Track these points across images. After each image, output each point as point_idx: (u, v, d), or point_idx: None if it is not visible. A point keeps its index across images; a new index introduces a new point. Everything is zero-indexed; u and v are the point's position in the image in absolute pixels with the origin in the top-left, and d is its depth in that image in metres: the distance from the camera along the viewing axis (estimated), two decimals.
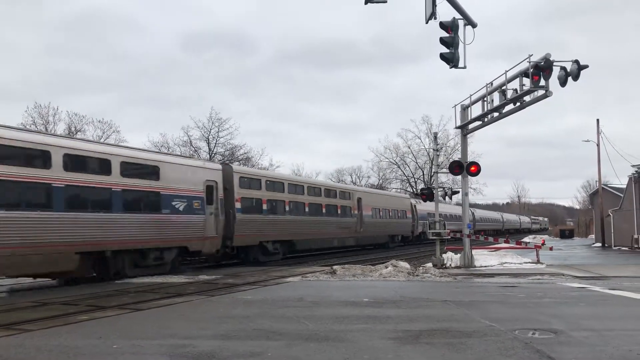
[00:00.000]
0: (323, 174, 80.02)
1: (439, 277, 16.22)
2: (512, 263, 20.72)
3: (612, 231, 37.32)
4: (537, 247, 22.31)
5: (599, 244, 39.08)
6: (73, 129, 44.48)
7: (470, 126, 20.32)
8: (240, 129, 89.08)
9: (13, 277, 15.76)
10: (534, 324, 7.94)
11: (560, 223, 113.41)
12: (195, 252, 19.91)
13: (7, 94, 67.32)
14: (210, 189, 20.24)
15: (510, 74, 16.81)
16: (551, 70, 15.27)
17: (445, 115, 68.30)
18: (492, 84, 17.93)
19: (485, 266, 19.57)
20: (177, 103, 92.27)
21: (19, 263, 13.60)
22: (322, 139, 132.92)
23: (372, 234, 35.44)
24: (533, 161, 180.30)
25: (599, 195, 40.24)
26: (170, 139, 53.24)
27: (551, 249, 24.06)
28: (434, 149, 23.89)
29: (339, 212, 31.20)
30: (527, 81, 16.04)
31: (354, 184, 72.48)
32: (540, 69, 15.35)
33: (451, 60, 14.67)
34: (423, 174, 70.53)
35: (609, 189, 40.61)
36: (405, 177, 72.63)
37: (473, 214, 63.52)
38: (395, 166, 72.07)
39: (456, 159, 26.47)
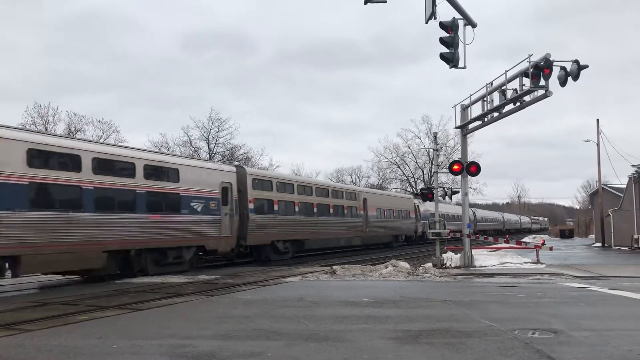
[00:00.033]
0: (323, 173, 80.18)
1: (439, 277, 16.22)
2: (512, 263, 20.72)
3: (612, 231, 37.34)
4: (537, 247, 22.32)
5: (599, 244, 39.08)
6: (73, 129, 44.53)
7: (470, 126, 20.32)
8: (240, 129, 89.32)
9: (46, 274, 16.45)
10: (534, 323, 7.94)
11: (560, 223, 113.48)
12: (211, 251, 20.61)
13: (7, 94, 67.40)
14: (225, 190, 21.02)
15: (510, 74, 16.81)
16: (551, 70, 15.27)
17: (445, 115, 68.54)
18: (492, 84, 17.93)
19: (485, 266, 19.58)
20: (177, 103, 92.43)
21: (53, 261, 14.41)
22: (322, 139, 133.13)
23: (377, 234, 36.10)
24: (533, 161, 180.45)
25: (599, 195, 40.25)
26: (170, 139, 53.36)
27: (551, 249, 24.06)
28: (433, 149, 23.88)
29: (346, 212, 31.91)
30: (527, 81, 16.04)
31: (354, 184, 72.51)
32: (540, 69, 15.35)
33: (451, 60, 14.67)
34: (423, 174, 70.55)
35: (609, 189, 40.62)
36: (405, 177, 72.69)
37: (474, 214, 64.18)
38: (395, 166, 72.14)
39: (456, 158, 26.43)
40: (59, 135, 21.26)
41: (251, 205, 22.92)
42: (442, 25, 14.44)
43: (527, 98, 16.51)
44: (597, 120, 39.10)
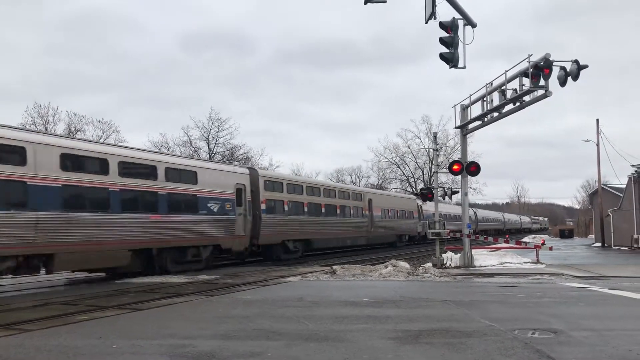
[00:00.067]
0: (323, 173, 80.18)
1: (439, 277, 16.22)
2: (511, 263, 20.71)
3: (612, 231, 37.32)
4: (537, 247, 22.31)
5: (599, 244, 39.08)
6: (73, 129, 44.52)
7: (470, 126, 20.31)
8: (240, 129, 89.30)
9: (76, 271, 17.18)
10: (534, 323, 7.94)
11: (559, 223, 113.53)
12: (226, 250, 21.39)
13: (7, 94, 67.36)
14: (239, 191, 21.90)
15: (510, 74, 16.80)
16: (551, 70, 15.26)
17: (445, 115, 68.50)
18: (491, 84, 17.92)
19: (485, 266, 19.57)
20: (177, 103, 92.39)
21: (83, 259, 15.36)
22: (321, 139, 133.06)
23: (382, 234, 36.90)
24: (533, 161, 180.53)
25: (599, 195, 40.25)
26: (170, 138, 53.36)
27: (551, 248, 24.04)
28: (433, 149, 23.87)
29: (352, 212, 32.79)
30: (526, 81, 16.03)
31: (354, 183, 72.52)
32: (540, 69, 15.34)
33: (451, 60, 14.67)
34: (423, 174, 70.50)
35: (609, 189, 40.61)
36: (405, 177, 72.63)
37: (475, 214, 65.26)
38: (395, 166, 72.06)
39: (456, 158, 26.43)
40: (88, 141, 22.65)
41: (263, 206, 23.70)
42: (442, 25, 14.44)
43: (526, 98, 16.50)
44: (597, 120, 39.15)
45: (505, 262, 20.74)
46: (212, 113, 51.58)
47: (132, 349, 6.67)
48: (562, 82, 15.33)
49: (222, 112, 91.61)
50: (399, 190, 69.50)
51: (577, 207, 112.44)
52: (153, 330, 8.06)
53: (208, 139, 51.21)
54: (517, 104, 16.84)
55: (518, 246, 24.78)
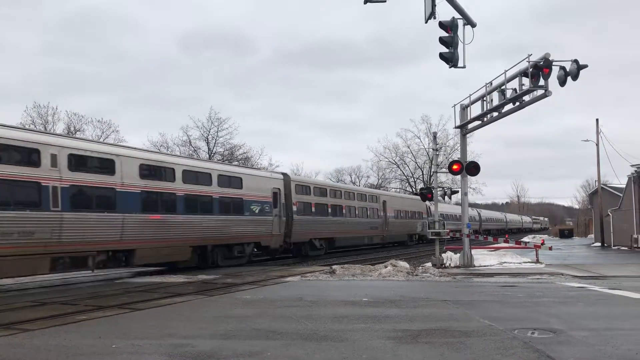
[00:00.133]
0: (322, 173, 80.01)
1: (439, 276, 16.22)
2: (511, 263, 20.70)
3: (612, 231, 37.32)
4: (537, 247, 22.31)
5: (598, 244, 39.07)
6: (72, 128, 44.51)
7: (470, 126, 20.30)
8: (239, 129, 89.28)
9: (149, 265, 19.03)
10: (533, 323, 7.94)
11: (559, 223, 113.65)
12: (264, 247, 24.03)
13: (7, 94, 67.32)
14: (275, 195, 24.44)
15: (509, 74, 16.80)
16: (550, 69, 15.25)
17: (444, 115, 68.19)
18: (491, 84, 17.91)
19: (484, 266, 19.57)
20: (177, 103, 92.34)
21: (156, 254, 17.72)
22: (321, 138, 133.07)
23: (395, 233, 39.71)
24: (532, 161, 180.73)
25: (599, 195, 40.24)
26: (170, 138, 53.22)
27: (550, 248, 24.02)
28: (433, 149, 23.85)
29: (369, 213, 35.60)
30: (526, 81, 16.03)
31: (354, 183, 72.48)
32: (540, 69, 15.33)
33: (450, 59, 14.66)
34: (422, 174, 70.42)
35: (609, 189, 40.61)
36: (404, 177, 72.59)
37: (479, 214, 66.98)
38: (395, 166, 72.00)
39: (455, 158, 26.43)
40: (160, 152, 26.80)
41: (294, 208, 26.21)
42: (442, 25, 14.43)
43: (526, 98, 16.49)
44: (597, 120, 39.14)
45: (505, 262, 20.73)
46: (212, 113, 51.68)
47: (131, 348, 6.66)
48: (562, 82, 15.33)
49: (221, 112, 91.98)
50: (398, 190, 69.52)
51: (576, 207, 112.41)
52: (152, 330, 8.05)
53: (207, 138, 51.26)
54: (517, 103, 16.83)
55: (518, 246, 24.78)
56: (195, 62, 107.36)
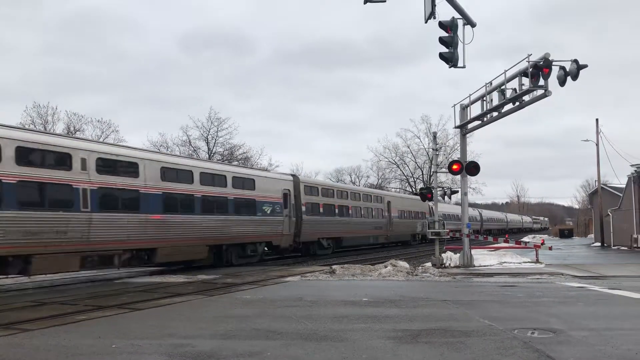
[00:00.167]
0: (322, 173, 79.99)
1: (438, 276, 16.22)
2: (511, 262, 20.69)
3: (612, 231, 37.32)
4: (537, 247, 22.30)
5: (598, 244, 39.08)
6: (72, 128, 44.52)
7: (470, 126, 20.29)
8: (239, 129, 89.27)
9: (170, 263, 19.66)
10: (533, 323, 7.94)
11: (559, 223, 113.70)
12: (275, 246, 24.82)
13: (6, 94, 67.30)
14: (285, 196, 25.34)
15: (509, 74, 16.78)
16: (550, 69, 15.24)
17: (444, 115, 68.14)
18: (491, 84, 17.90)
19: (484, 266, 19.56)
20: (177, 103, 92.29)
21: (176, 252, 18.62)
22: (321, 138, 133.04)
23: (399, 233, 40.66)
24: (532, 161, 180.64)
25: (598, 194, 40.23)
26: (169, 138, 53.23)
27: (550, 248, 24.02)
28: (433, 149, 23.84)
29: (374, 214, 36.50)
30: (526, 81, 16.01)
31: (353, 183, 72.46)
32: (540, 69, 15.31)
33: (450, 59, 14.65)
34: (422, 174, 70.41)
35: (608, 189, 40.60)
36: (404, 177, 72.58)
37: (481, 214, 68.00)
38: (395, 166, 71.99)
39: (455, 158, 26.44)
40: (179, 156, 27.83)
41: (304, 208, 27.04)
42: (442, 25, 14.41)
43: (526, 98, 16.48)
44: (597, 120, 39.13)
45: (505, 262, 20.72)
46: (212, 113, 51.69)
47: (131, 348, 6.66)
48: (562, 82, 15.32)
49: (221, 112, 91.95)
50: (398, 190, 69.50)
51: (576, 206, 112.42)
52: (152, 330, 8.04)
53: (207, 138, 51.25)
54: (517, 103, 16.82)
55: (517, 246, 24.77)
56: (195, 62, 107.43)
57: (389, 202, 39.10)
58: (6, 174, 13.33)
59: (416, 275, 16.54)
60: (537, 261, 20.52)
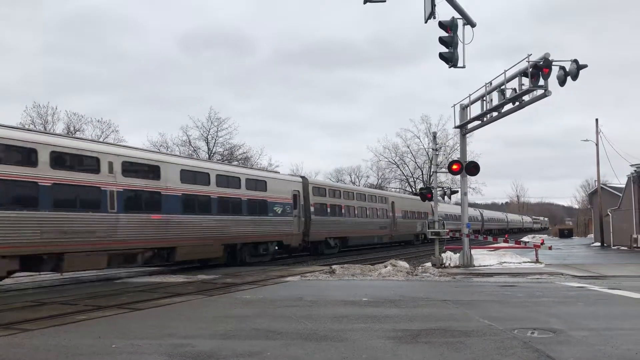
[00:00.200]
0: (322, 173, 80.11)
1: (438, 276, 16.22)
2: (511, 262, 20.69)
3: (611, 231, 37.32)
4: (536, 247, 22.30)
5: (598, 244, 39.08)
6: (72, 128, 44.54)
7: (469, 126, 20.28)
8: (239, 129, 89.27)
9: (187, 262, 20.45)
10: (533, 323, 7.94)
11: (559, 222, 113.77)
12: (286, 245, 25.59)
13: (6, 94, 67.28)
14: (295, 197, 26.20)
15: (509, 74, 16.78)
16: (550, 69, 15.24)
17: (444, 115, 68.20)
18: (491, 84, 17.90)
19: (484, 265, 19.56)
20: (177, 103, 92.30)
21: (193, 251, 19.34)
22: (321, 138, 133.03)
23: (402, 233, 41.33)
24: (532, 161, 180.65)
25: (598, 194, 40.24)
26: (169, 138, 53.30)
27: (550, 248, 24.02)
28: (433, 149, 23.84)
29: (379, 214, 37.35)
30: (526, 81, 16.01)
31: (353, 183, 72.47)
32: (539, 69, 15.32)
33: (450, 59, 14.65)
34: (422, 174, 70.44)
35: (608, 189, 40.61)
36: (404, 177, 72.60)
37: (482, 214, 68.29)
38: (394, 166, 72.01)
39: (455, 158, 26.44)
40: (197, 159, 29.24)
41: (312, 209, 27.83)
42: (442, 25, 14.41)
43: (526, 97, 16.48)
44: (597, 120, 39.15)
45: (505, 262, 20.72)
46: (212, 113, 51.73)
47: (130, 348, 6.66)
48: (562, 82, 15.32)
49: (221, 112, 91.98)
50: (397, 190, 69.50)
51: (576, 206, 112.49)
52: (152, 330, 8.04)
53: (207, 138, 51.31)
54: (517, 103, 16.82)
55: (517, 246, 24.76)
56: (195, 62, 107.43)
57: (393, 203, 39.84)
58: (42, 177, 14.22)
59: (416, 275, 16.54)
60: (537, 261, 20.53)
